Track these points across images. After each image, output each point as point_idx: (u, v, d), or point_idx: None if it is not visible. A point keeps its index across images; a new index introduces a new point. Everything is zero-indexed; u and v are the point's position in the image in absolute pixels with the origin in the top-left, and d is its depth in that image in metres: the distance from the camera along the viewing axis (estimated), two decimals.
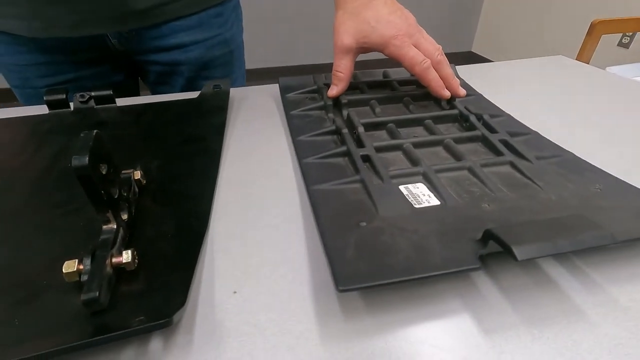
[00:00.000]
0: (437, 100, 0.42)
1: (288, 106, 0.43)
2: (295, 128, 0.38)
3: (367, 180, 0.29)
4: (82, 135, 0.21)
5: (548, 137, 0.35)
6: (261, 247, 0.26)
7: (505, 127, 0.36)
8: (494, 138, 0.34)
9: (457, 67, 0.50)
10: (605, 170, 0.30)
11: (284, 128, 0.41)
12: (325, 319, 0.21)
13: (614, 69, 1.20)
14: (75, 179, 0.20)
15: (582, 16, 1.90)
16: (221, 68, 0.58)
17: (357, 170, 0.30)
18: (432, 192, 0.28)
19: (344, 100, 0.41)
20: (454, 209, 0.26)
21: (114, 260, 0.21)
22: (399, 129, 0.37)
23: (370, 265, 0.21)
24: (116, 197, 0.24)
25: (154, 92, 0.59)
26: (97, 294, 0.19)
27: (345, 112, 0.39)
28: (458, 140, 0.34)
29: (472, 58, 2.77)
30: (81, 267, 0.21)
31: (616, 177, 0.29)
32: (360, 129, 0.35)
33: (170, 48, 0.53)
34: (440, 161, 0.32)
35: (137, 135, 0.39)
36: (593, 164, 0.31)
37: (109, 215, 0.23)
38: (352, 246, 0.22)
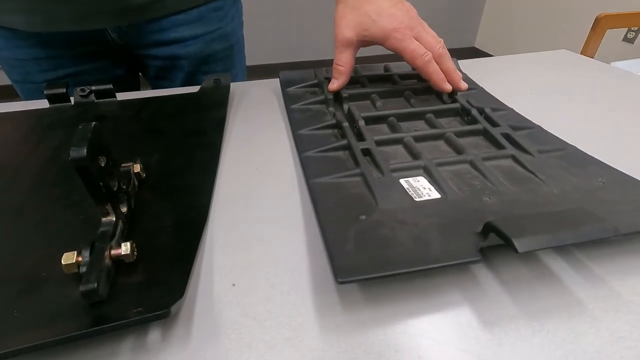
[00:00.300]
0: (438, 94, 0.41)
1: (289, 100, 0.43)
2: (295, 122, 0.38)
3: (367, 174, 0.28)
4: (80, 127, 0.21)
5: (551, 131, 0.35)
6: (260, 240, 0.26)
7: (507, 121, 0.35)
8: (495, 132, 0.33)
9: (459, 61, 0.49)
10: (609, 164, 0.29)
11: (285, 122, 0.41)
12: (324, 311, 0.21)
13: (618, 64, 1.18)
14: (75, 172, 0.20)
15: (587, 10, 1.88)
16: (221, 62, 0.58)
17: (357, 163, 0.30)
18: (432, 185, 0.28)
19: (344, 94, 0.40)
20: (455, 202, 0.26)
21: (113, 252, 0.21)
22: (400, 123, 0.36)
23: (369, 257, 0.21)
24: (115, 189, 0.24)
25: (154, 87, 0.59)
26: (96, 285, 0.19)
27: (346, 106, 0.39)
28: (459, 134, 0.34)
29: (475, 54, 2.75)
30: (80, 259, 0.21)
31: (619, 171, 0.28)
32: (361, 123, 0.35)
33: (170, 42, 0.53)
34: (442, 155, 0.32)
35: (137, 129, 0.39)
36: (596, 157, 0.30)
37: (108, 207, 0.23)
38: (351, 239, 0.22)
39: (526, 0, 2.29)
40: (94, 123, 0.21)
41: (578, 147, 0.32)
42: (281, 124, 0.40)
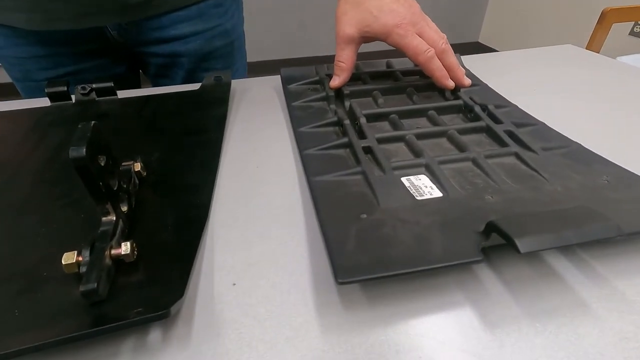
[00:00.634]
0: (441, 91, 0.41)
1: (290, 97, 0.42)
2: (296, 119, 0.38)
3: (368, 172, 0.28)
4: (79, 126, 0.21)
5: (555, 128, 0.34)
6: (261, 238, 0.25)
7: (510, 118, 0.35)
8: (498, 129, 0.33)
9: (462, 56, 0.49)
10: (614, 162, 0.29)
11: (286, 119, 0.40)
12: (324, 311, 0.21)
13: (625, 59, 1.17)
14: (75, 170, 0.20)
15: (593, 4, 1.85)
16: (222, 59, 0.58)
17: (358, 161, 0.30)
18: (434, 183, 0.27)
19: (346, 91, 0.40)
20: (457, 200, 0.26)
21: (113, 252, 0.21)
22: (401, 120, 0.36)
23: (370, 257, 0.21)
24: (115, 188, 0.24)
25: (155, 85, 0.59)
26: (96, 285, 0.19)
27: (347, 103, 0.39)
28: (462, 131, 0.34)
29: (479, 49, 2.73)
30: (80, 258, 0.20)
31: (624, 168, 0.28)
32: (362, 120, 0.34)
33: (170, 39, 0.53)
34: (444, 152, 0.32)
35: (138, 127, 0.39)
36: (601, 155, 0.30)
37: (108, 207, 0.23)
38: (352, 238, 0.22)
39: None
40: (93, 122, 0.21)
41: (582, 144, 0.31)
42: (282, 121, 0.40)
